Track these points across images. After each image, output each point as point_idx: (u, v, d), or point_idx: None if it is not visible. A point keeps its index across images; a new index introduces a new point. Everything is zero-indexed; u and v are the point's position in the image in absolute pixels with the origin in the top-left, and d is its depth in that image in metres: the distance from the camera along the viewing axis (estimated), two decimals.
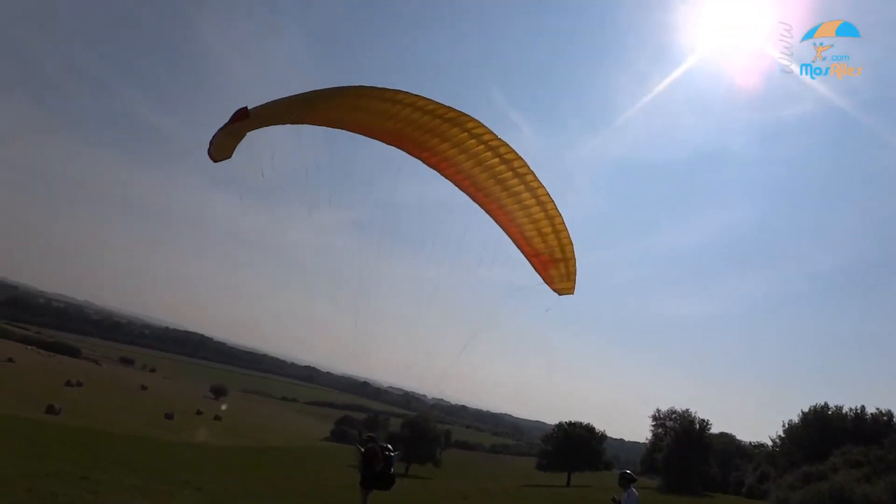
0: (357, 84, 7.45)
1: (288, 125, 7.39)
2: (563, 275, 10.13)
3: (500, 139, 8.69)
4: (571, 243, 9.89)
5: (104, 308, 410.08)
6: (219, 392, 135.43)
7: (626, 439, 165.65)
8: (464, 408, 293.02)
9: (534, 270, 10.48)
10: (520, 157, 8.95)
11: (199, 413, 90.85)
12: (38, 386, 65.15)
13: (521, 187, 9.19)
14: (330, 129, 8.41)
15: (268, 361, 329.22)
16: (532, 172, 9.07)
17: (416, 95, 7.84)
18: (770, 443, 60.63)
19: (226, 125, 7.32)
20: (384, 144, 8.77)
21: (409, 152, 8.96)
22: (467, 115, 8.30)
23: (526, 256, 10.18)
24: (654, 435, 71.40)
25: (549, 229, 9.57)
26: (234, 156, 8.35)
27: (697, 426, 64.19)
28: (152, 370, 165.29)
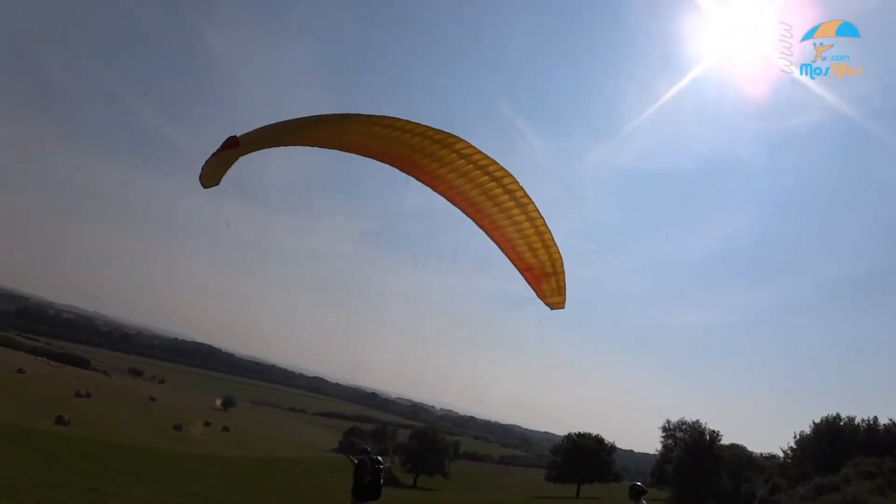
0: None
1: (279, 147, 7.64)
2: (554, 289, 10.27)
3: (489, 158, 8.90)
4: (561, 258, 10.04)
5: (114, 319, 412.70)
6: (227, 403, 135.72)
7: (636, 450, 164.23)
8: (472, 419, 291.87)
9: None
10: (509, 175, 9.13)
11: (207, 424, 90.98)
12: (47, 397, 65.61)
13: (512, 203, 9.39)
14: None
15: (276, 372, 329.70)
16: (522, 189, 9.28)
17: (405, 120, 8.06)
18: (781, 454, 59.92)
19: (216, 152, 7.53)
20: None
21: (401, 170, 9.15)
22: (456, 137, 8.52)
23: (519, 271, 10.35)
24: (664, 446, 70.86)
25: (539, 245, 9.74)
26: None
27: (708, 437, 63.67)
28: (161, 381, 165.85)
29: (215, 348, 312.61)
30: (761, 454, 72.86)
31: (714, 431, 63.97)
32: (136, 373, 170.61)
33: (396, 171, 9.43)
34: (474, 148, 8.73)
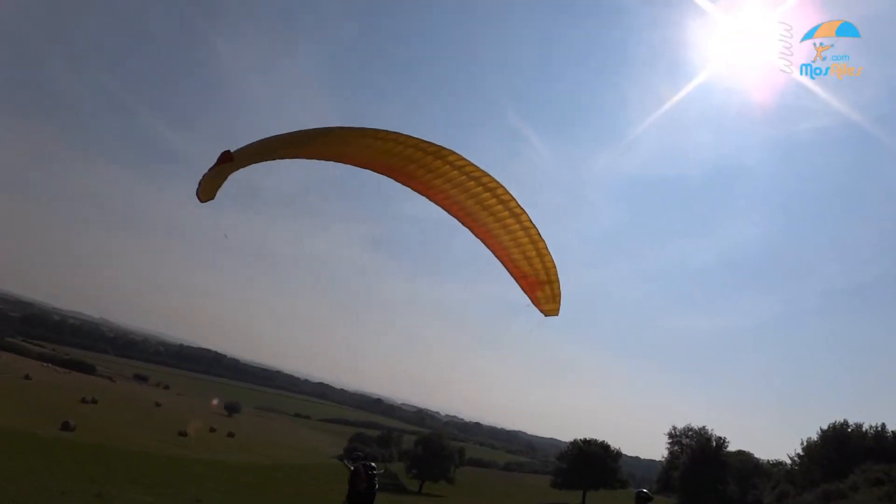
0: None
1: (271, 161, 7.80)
2: (548, 296, 10.40)
3: (481, 170, 9.04)
4: (555, 266, 10.15)
5: (119, 325, 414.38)
6: (232, 409, 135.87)
7: (642, 457, 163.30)
8: (478, 425, 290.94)
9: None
10: (502, 186, 9.27)
11: (212, 430, 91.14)
12: (53, 402, 65.98)
13: (506, 213, 9.51)
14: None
15: (281, 378, 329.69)
16: (514, 199, 9.39)
17: (398, 133, 8.20)
18: (789, 461, 59.62)
19: (211, 168, 7.72)
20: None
21: (397, 180, 9.28)
22: (448, 149, 8.67)
23: (515, 278, 10.48)
24: (671, 453, 70.57)
25: (534, 253, 9.86)
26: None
27: (714, 444, 63.36)
28: (166, 387, 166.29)
29: (220, 354, 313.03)
30: (768, 461, 72.50)
31: (720, 438, 63.72)
32: (142, 379, 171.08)
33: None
34: (467, 160, 8.87)
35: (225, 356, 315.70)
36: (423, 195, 9.50)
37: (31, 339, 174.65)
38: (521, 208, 9.44)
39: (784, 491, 55.39)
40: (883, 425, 52.26)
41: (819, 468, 51.25)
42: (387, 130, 8.07)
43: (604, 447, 73.71)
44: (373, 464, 12.58)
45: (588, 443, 74.02)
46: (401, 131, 8.10)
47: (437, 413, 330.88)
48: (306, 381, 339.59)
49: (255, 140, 7.64)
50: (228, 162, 7.46)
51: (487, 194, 9.28)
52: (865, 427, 52.80)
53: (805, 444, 56.10)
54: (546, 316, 10.77)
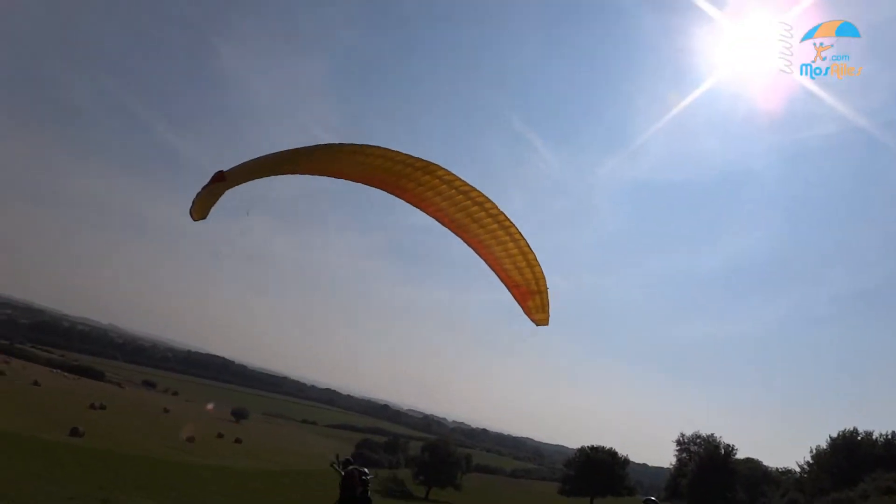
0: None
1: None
2: (539, 306, 10.66)
3: (469, 185, 9.36)
4: (544, 277, 10.43)
5: (128, 332, 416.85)
6: (240, 415, 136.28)
7: (650, 464, 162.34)
8: (485, 431, 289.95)
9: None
10: (490, 200, 9.57)
11: (220, 436, 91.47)
12: (62, 408, 66.51)
13: (496, 226, 9.82)
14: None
15: (288, 384, 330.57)
16: (503, 213, 9.69)
17: (385, 149, 8.50)
18: (798, 469, 59.12)
19: (205, 186, 8.00)
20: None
21: (389, 193, 9.52)
22: (436, 165, 9.00)
23: (507, 288, 10.70)
24: (679, 460, 70.15)
25: (524, 264, 10.15)
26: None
27: (723, 451, 62.86)
28: (175, 393, 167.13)
29: (228, 360, 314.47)
30: (777, 468, 71.90)
31: (729, 445, 63.18)
32: (150, 385, 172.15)
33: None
34: (455, 175, 9.21)
35: (233, 362, 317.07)
36: (417, 208, 9.77)
37: (40, 346, 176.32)
38: (510, 221, 9.73)
39: (793, 499, 54.94)
40: (893, 433, 51.73)
41: (828, 476, 50.80)
42: (375, 146, 8.35)
43: (611, 454, 73.28)
44: (365, 469, 12.69)
45: (596, 450, 73.61)
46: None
47: (444, 419, 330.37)
48: (313, 387, 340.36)
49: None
50: (221, 181, 7.72)
51: (476, 208, 9.59)
52: (875, 435, 52.34)
53: (814, 451, 55.68)
54: (537, 325, 10.99)
